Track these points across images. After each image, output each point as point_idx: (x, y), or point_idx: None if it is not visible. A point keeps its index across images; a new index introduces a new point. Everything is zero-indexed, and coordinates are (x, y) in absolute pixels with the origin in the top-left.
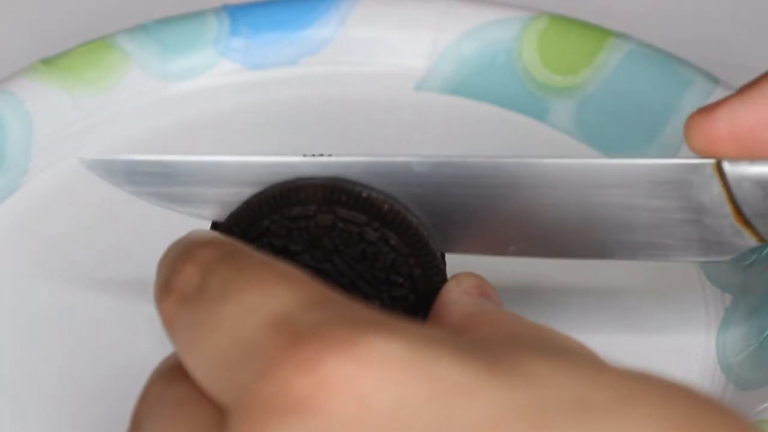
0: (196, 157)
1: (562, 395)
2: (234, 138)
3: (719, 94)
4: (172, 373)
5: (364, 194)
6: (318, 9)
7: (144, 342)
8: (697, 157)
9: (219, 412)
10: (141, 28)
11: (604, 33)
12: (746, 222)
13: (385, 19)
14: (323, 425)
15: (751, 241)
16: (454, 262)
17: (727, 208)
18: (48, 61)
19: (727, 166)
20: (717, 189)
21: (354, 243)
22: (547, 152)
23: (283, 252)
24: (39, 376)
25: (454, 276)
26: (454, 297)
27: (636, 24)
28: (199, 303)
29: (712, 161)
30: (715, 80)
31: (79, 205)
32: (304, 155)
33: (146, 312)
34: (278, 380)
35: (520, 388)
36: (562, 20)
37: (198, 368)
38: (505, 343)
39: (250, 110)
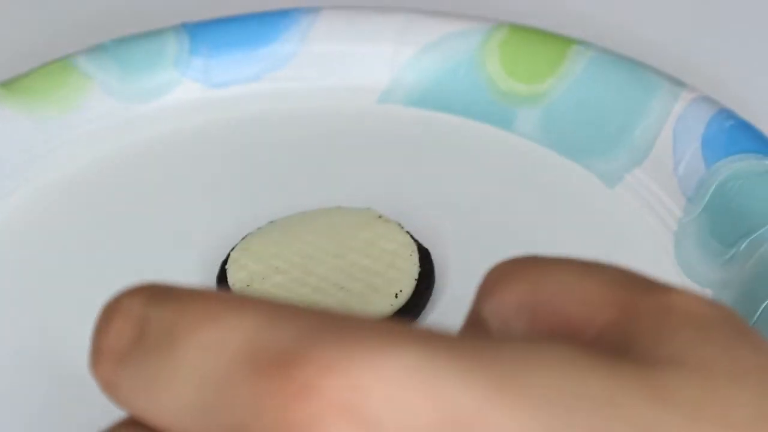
0: None
1: (576, 424)
2: (198, 157)
3: (686, 97)
4: None
5: None
6: (278, 26)
7: None
8: None
9: None
10: (100, 49)
11: (566, 41)
12: None
13: (346, 33)
14: None
15: None
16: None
17: None
18: (6, 84)
19: None
20: None
21: None
22: (514, 161)
23: None
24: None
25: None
26: None
27: (595, 31)
28: (143, 355)
29: None
30: (681, 84)
31: (42, 231)
32: None
33: None
34: (274, 410)
35: (528, 418)
36: (522, 30)
37: (166, 421)
38: (525, 351)
39: (214, 129)
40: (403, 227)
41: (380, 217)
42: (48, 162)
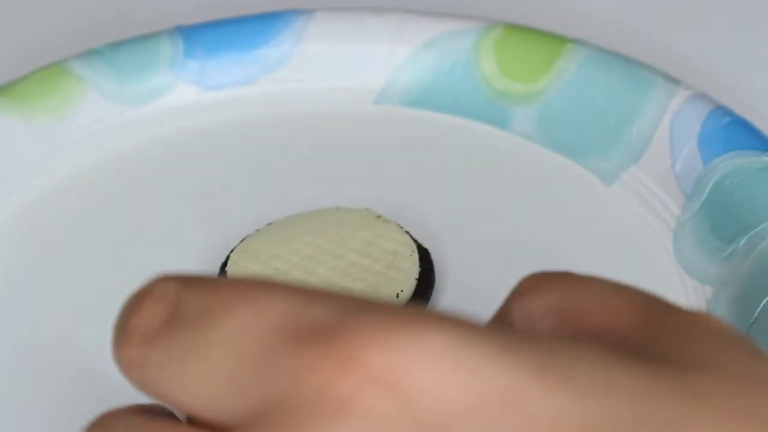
0: None
1: (616, 412)
2: (195, 160)
3: (682, 94)
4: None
5: None
6: (273, 27)
7: None
8: None
9: None
10: (95, 53)
11: (561, 40)
12: None
13: (341, 34)
14: (366, 425)
15: None
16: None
17: None
18: (1, 90)
19: None
20: None
21: None
22: (512, 160)
23: None
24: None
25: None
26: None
27: (590, 30)
28: (177, 333)
29: None
30: (676, 82)
31: (39, 236)
32: None
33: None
34: (316, 381)
35: (569, 401)
36: (517, 29)
37: (194, 398)
38: (560, 343)
39: (210, 131)
40: (402, 227)
41: (379, 217)
42: (44, 167)
